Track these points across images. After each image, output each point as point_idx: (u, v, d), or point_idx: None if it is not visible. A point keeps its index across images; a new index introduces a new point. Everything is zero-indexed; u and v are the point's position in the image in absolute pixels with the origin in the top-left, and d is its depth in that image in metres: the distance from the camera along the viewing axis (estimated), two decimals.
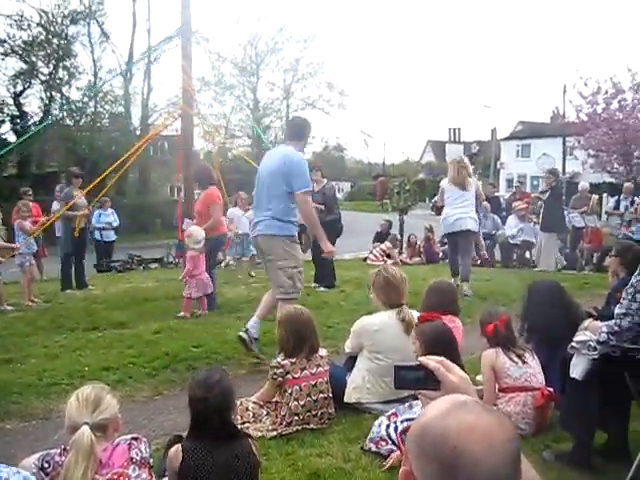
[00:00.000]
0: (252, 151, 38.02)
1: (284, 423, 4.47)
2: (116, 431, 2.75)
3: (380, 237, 16.08)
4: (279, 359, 4.57)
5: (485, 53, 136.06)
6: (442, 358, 1.84)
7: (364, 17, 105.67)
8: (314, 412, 4.53)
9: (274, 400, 4.64)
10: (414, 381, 1.87)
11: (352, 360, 5.13)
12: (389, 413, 4.07)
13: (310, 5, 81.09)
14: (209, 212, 8.70)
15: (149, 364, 6.35)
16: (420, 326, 4.11)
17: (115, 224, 15.35)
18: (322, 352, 4.72)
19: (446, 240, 11.66)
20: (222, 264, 14.40)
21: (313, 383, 4.54)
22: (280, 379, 4.50)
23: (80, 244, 11.31)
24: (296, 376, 4.51)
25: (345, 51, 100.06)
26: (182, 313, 8.48)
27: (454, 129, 70.60)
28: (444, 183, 9.87)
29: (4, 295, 9.47)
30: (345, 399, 4.89)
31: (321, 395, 4.57)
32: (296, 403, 4.48)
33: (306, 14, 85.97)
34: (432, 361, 1.80)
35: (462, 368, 3.53)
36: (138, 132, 32.53)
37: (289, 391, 4.49)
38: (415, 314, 4.76)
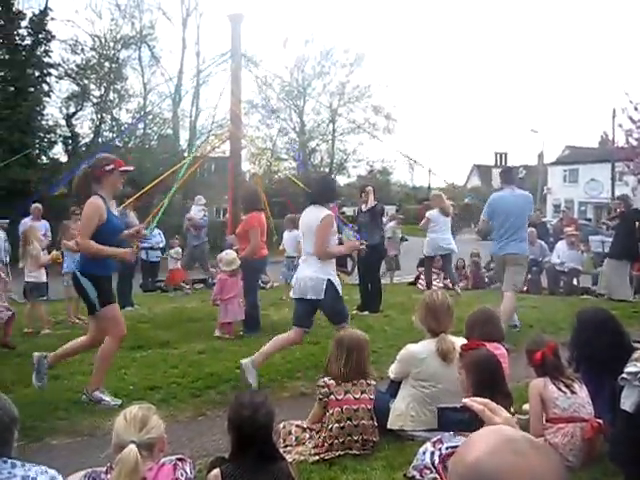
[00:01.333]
0: (298, 173, 38.20)
1: (326, 446, 4.44)
2: (161, 451, 2.77)
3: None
4: (325, 379, 4.57)
5: (533, 77, 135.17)
6: (487, 400, 1.81)
7: (411, 41, 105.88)
8: (355, 437, 4.49)
9: (318, 422, 4.64)
10: (458, 423, 1.84)
11: (395, 385, 5.08)
12: (434, 440, 4.00)
13: (357, 29, 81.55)
14: (248, 236, 8.83)
15: (193, 384, 6.40)
16: (464, 355, 4.04)
17: (161, 244, 15.47)
18: (371, 381, 4.69)
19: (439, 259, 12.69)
20: (267, 285, 14.46)
21: (355, 408, 4.51)
22: (325, 399, 4.50)
23: (131, 264, 11.48)
24: (339, 397, 4.49)
25: (392, 75, 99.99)
26: (218, 333, 8.52)
27: (500, 153, 70.29)
28: (433, 213, 11.84)
29: (46, 318, 9.61)
30: (388, 425, 4.83)
31: (362, 422, 4.52)
32: (337, 425, 4.45)
33: (353, 38, 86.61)
34: (476, 403, 1.78)
35: (509, 395, 3.48)
36: (186, 154, 33.01)
37: (330, 412, 4.48)
38: (460, 341, 4.69)
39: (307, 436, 4.63)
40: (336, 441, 4.44)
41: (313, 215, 6.25)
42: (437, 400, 4.65)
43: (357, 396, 4.53)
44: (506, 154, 70.18)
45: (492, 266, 13.02)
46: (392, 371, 5.07)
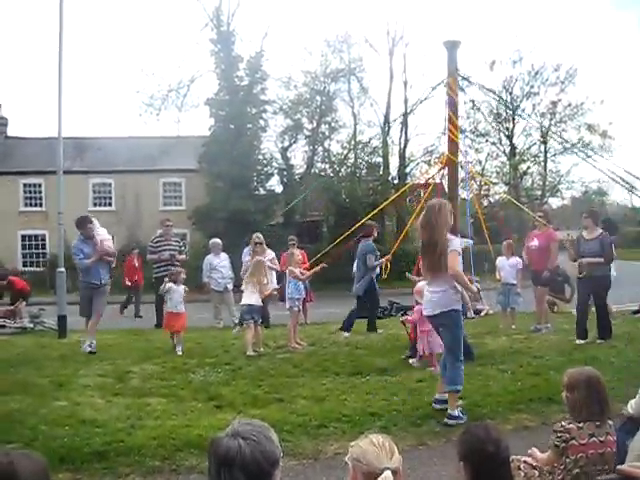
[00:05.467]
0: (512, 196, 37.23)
1: None
2: None
3: None
4: (564, 423, 4.13)
5: None
6: None
7: (626, 49, 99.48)
8: None
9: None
10: None
11: (632, 423, 4.74)
12: None
13: (568, 45, 78.11)
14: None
15: (413, 413, 6.39)
16: None
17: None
18: (611, 420, 4.28)
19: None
20: (482, 313, 14.20)
21: (601, 452, 3.99)
22: (564, 444, 4.04)
23: (373, 292, 11.94)
24: (582, 442, 3.99)
25: (607, 89, 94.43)
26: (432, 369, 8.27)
27: None
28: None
29: (262, 339, 10.26)
30: None
31: (606, 467, 4.11)
32: (578, 471, 3.97)
33: (563, 54, 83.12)
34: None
35: None
36: (396, 181, 33.50)
37: (572, 458, 3.99)
38: None
39: (536, 473, 4.42)
40: None
41: None
42: None
43: (602, 439, 4.03)
44: None
45: None
46: (632, 407, 4.71)
